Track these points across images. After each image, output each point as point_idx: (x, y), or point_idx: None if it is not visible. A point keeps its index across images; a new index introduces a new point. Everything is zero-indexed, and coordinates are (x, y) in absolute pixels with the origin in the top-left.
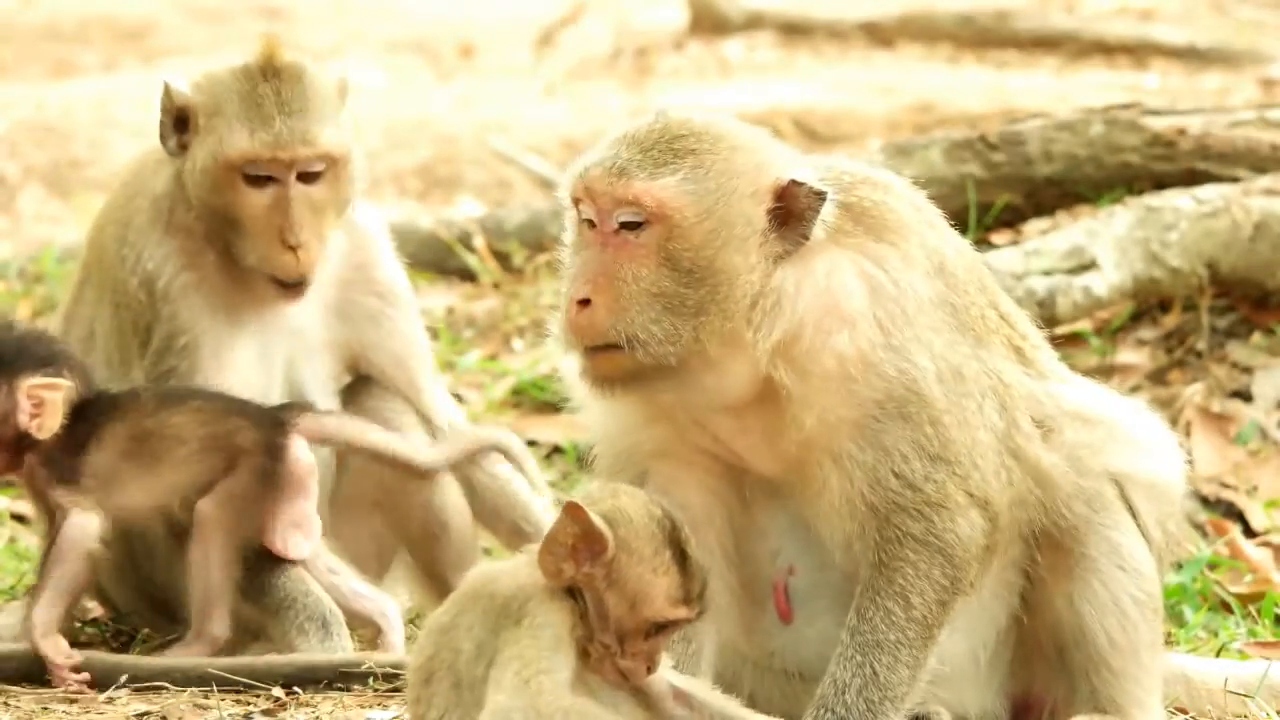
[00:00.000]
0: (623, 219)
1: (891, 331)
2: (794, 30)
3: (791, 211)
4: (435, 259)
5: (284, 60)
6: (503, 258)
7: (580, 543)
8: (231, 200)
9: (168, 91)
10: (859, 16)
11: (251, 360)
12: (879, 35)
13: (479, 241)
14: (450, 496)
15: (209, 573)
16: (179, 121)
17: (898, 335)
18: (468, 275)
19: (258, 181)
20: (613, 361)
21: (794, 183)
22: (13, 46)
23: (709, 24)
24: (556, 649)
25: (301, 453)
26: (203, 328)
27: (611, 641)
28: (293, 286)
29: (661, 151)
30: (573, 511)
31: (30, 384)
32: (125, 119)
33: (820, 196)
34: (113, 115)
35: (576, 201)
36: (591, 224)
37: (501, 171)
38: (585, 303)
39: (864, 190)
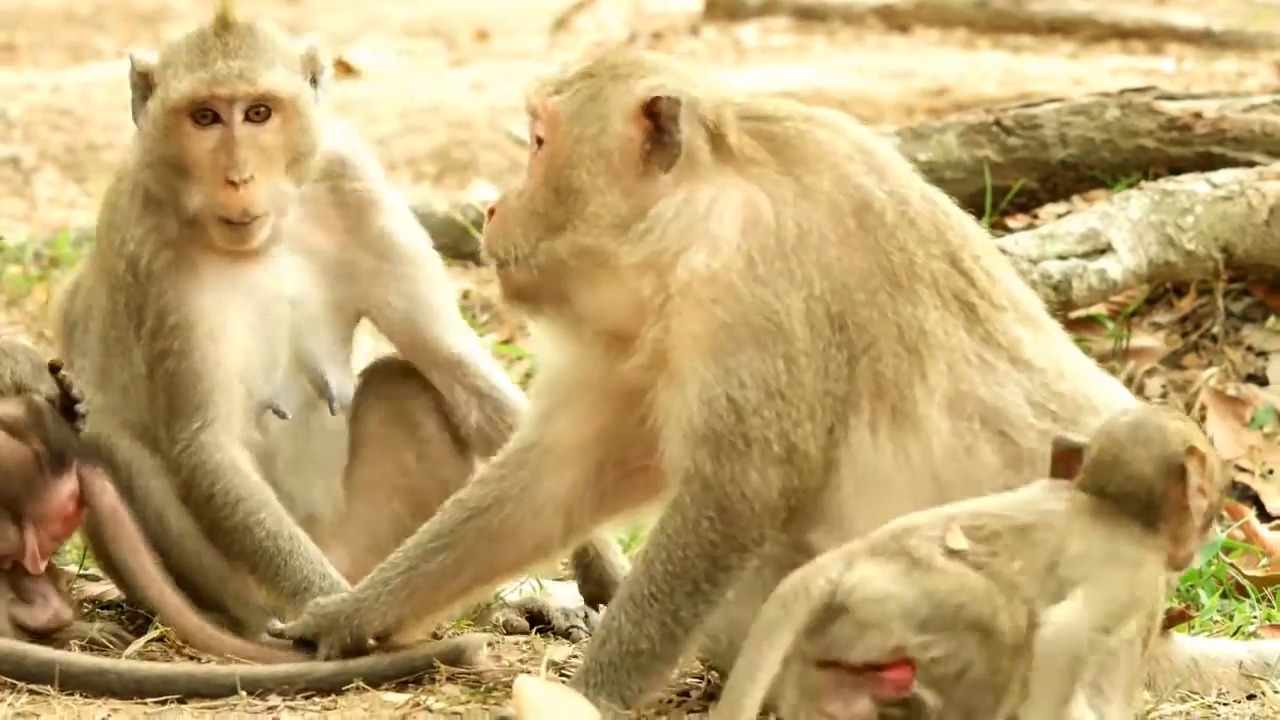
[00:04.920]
0: (536, 134)
1: (758, 263)
2: (809, 15)
3: (662, 127)
4: (450, 243)
5: (235, 18)
6: None
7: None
8: (180, 145)
9: (132, 62)
10: (874, 1)
11: (248, 335)
12: (894, 20)
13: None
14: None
15: None
16: (145, 91)
17: (765, 268)
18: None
19: (202, 122)
20: (505, 278)
21: (655, 98)
22: (29, 31)
23: (724, 9)
24: None
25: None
26: (190, 305)
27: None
28: (240, 226)
29: (570, 76)
30: (1199, 453)
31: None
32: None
33: (677, 103)
34: (128, 99)
35: None
36: None
37: (516, 155)
38: (492, 214)
39: (792, 123)
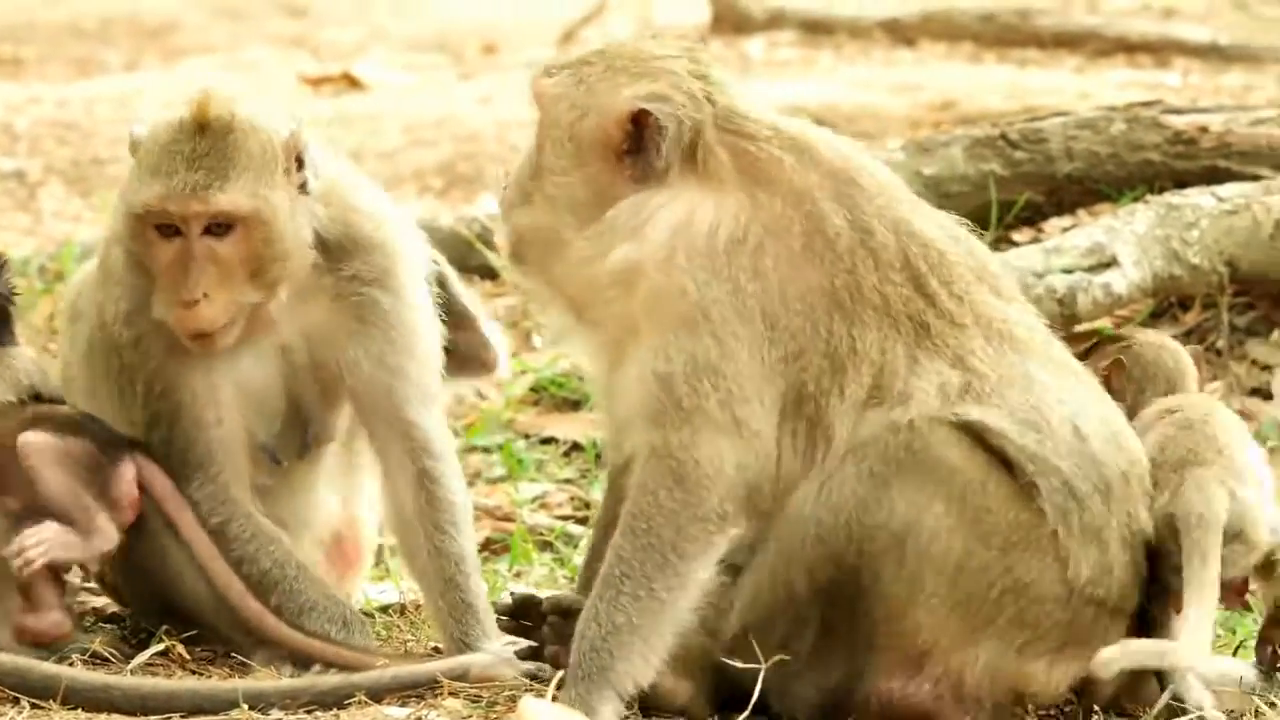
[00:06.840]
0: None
1: (678, 254)
2: (816, 28)
3: (644, 139)
4: (456, 256)
5: (213, 115)
6: None
7: None
8: (143, 249)
9: (131, 137)
10: (880, 14)
11: (238, 394)
12: (900, 33)
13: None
14: None
15: None
16: None
17: (685, 260)
18: (489, 273)
19: (165, 232)
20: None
21: (644, 112)
22: (35, 44)
23: (731, 22)
24: None
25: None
26: (173, 370)
27: None
28: (198, 339)
29: (569, 61)
30: None
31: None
32: (147, 117)
33: (664, 129)
34: (135, 113)
35: None
36: None
37: None
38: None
39: (770, 147)
